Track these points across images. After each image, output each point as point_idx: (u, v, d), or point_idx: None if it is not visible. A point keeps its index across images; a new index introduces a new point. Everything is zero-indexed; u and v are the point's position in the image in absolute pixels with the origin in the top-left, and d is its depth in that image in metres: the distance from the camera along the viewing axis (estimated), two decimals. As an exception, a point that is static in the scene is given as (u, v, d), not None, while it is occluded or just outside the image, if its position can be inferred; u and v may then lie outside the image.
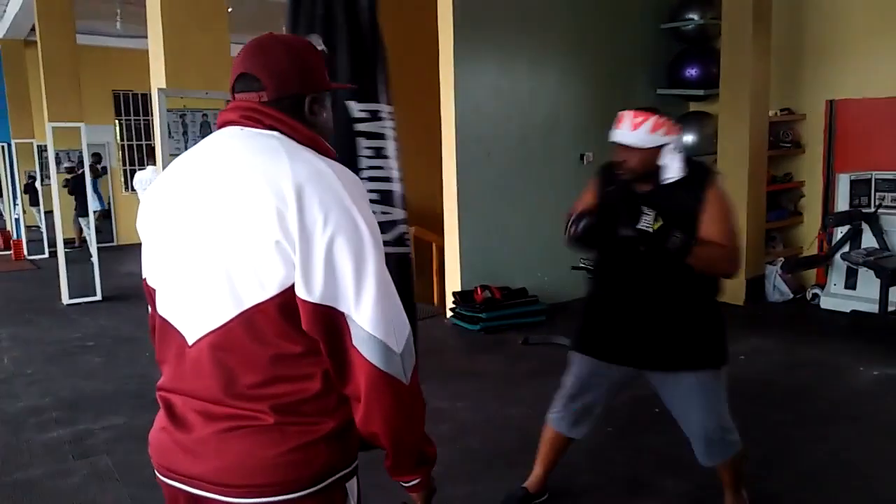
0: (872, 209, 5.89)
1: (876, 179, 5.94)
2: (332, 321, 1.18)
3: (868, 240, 5.87)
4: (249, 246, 1.18)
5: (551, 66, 6.40)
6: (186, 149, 4.61)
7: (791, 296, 6.40)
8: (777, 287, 6.38)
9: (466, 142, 5.84)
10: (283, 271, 1.17)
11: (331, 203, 1.17)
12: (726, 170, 6.45)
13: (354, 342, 1.18)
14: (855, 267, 5.84)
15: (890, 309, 5.44)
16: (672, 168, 2.38)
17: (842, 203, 6.15)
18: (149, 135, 12.07)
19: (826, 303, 6.16)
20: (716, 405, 2.55)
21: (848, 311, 5.72)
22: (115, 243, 11.57)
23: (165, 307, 1.32)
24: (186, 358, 1.28)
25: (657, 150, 2.37)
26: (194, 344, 1.26)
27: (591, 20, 6.61)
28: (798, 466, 3.23)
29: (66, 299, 7.30)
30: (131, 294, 7.56)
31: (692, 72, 7.00)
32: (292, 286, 1.18)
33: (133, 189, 11.76)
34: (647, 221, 2.31)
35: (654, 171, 2.41)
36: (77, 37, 8.96)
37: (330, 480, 1.25)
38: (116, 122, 12.19)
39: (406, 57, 6.75)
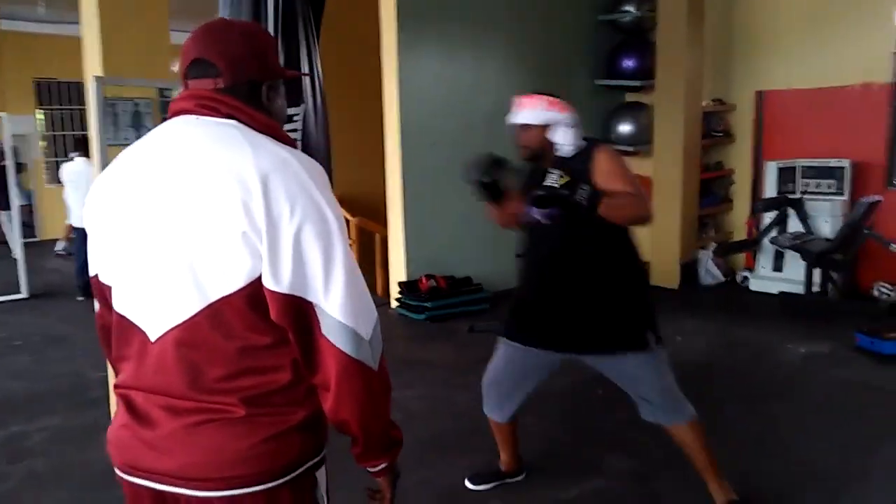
0: (798, 195, 6.16)
1: (801, 167, 6.22)
2: (300, 311, 1.17)
3: (794, 224, 6.15)
4: (214, 238, 1.16)
5: (494, 55, 6.44)
6: (116, 139, 4.44)
7: (723, 279, 6.66)
8: (709, 271, 6.63)
9: (410, 131, 5.83)
10: (249, 263, 1.15)
11: (297, 193, 1.16)
12: (661, 158, 6.67)
13: (324, 331, 1.18)
14: (782, 250, 6.12)
15: (814, 290, 5.73)
16: (565, 143, 2.53)
17: (769, 190, 6.42)
18: (74, 125, 11.58)
19: (755, 285, 6.43)
20: (660, 380, 2.60)
21: (776, 292, 5.99)
22: (38, 238, 11.08)
23: (124, 304, 1.27)
24: (149, 354, 1.24)
25: (549, 127, 2.53)
26: (157, 340, 1.23)
27: (532, 11, 6.66)
28: (734, 439, 3.37)
29: (-12, 298, 6.96)
30: (58, 291, 7.29)
31: (629, 63, 7.15)
32: (259, 277, 1.16)
33: (59, 182, 11.33)
34: (554, 179, 2.42)
35: (549, 147, 2.55)
36: (-5, 21, 8.54)
37: (301, 469, 1.25)
38: (39, 112, 11.65)
39: (348, 46, 6.69)
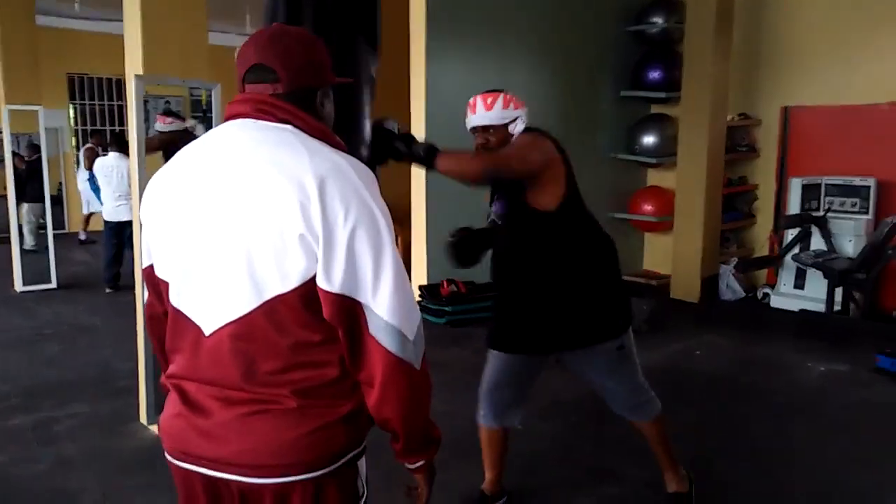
0: (822, 213, 6.15)
1: (826, 185, 6.21)
2: (350, 310, 1.23)
3: (817, 242, 6.14)
4: (272, 238, 1.21)
5: (520, 66, 6.48)
6: (149, 135, 4.45)
7: (743, 294, 6.64)
8: (730, 286, 6.61)
9: (436, 136, 5.82)
10: (304, 263, 1.21)
11: (351, 197, 1.22)
12: (685, 171, 6.68)
13: (371, 330, 1.23)
14: (804, 268, 6.10)
15: (835, 308, 5.71)
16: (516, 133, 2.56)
17: (793, 206, 6.40)
18: (104, 119, 11.79)
19: (776, 302, 6.41)
20: (627, 373, 2.67)
21: (797, 309, 5.97)
22: (66, 230, 11.28)
23: (180, 298, 1.33)
24: (203, 348, 1.30)
25: (510, 124, 2.55)
26: (212, 334, 1.28)
27: (558, 21, 6.71)
28: (753, 457, 3.39)
29: (19, 286, 7.11)
30: (86, 282, 7.44)
31: (655, 74, 7.17)
32: (313, 278, 1.22)
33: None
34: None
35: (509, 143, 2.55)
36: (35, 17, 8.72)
37: (345, 459, 1.31)
38: (70, 105, 11.87)
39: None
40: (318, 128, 1.34)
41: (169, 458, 1.37)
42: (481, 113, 2.55)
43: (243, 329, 1.26)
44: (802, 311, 5.89)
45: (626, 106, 7.37)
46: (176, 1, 3.49)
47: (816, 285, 5.97)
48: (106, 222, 6.93)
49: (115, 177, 6.73)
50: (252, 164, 1.25)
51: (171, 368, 1.38)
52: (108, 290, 6.93)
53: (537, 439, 3.66)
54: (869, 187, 5.99)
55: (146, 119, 4.70)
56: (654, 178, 7.52)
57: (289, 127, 1.30)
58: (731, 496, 3.06)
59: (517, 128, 2.56)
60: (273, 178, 1.22)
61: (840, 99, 6.34)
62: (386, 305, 1.23)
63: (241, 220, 1.23)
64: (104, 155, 7.26)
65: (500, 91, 2.60)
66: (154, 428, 3.62)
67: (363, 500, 1.41)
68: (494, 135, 2.55)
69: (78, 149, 11.86)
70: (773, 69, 6.82)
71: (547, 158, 2.51)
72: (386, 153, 2.27)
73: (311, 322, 1.25)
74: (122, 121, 11.68)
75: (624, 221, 7.40)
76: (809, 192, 6.29)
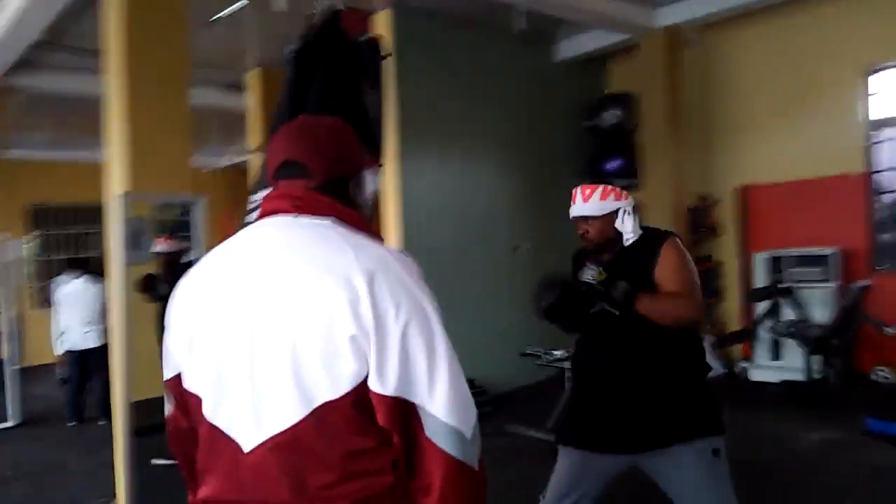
0: (788, 284, 6.32)
1: (789, 257, 6.43)
2: (406, 413, 1.15)
3: (788, 313, 6.27)
4: (320, 341, 1.14)
5: (487, 162, 6.72)
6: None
7: (723, 371, 6.69)
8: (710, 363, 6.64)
9: (410, 235, 5.96)
10: (355, 366, 1.14)
11: (401, 293, 1.17)
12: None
13: (428, 433, 1.16)
14: (778, 338, 6.20)
15: (814, 376, 5.78)
16: (628, 229, 2.47)
17: (760, 280, 6.58)
18: (68, 247, 11.60)
19: (755, 375, 6.47)
20: (720, 487, 2.37)
21: (776, 380, 6.03)
22: (22, 364, 10.80)
23: (215, 413, 1.24)
24: (243, 466, 1.20)
25: (611, 216, 2.47)
26: (253, 450, 1.19)
27: (520, 121, 7.03)
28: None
29: (-28, 428, 6.70)
30: (48, 417, 7.06)
31: (613, 164, 7.48)
32: (364, 380, 1.15)
33: (49, 304, 11.17)
34: (591, 275, 2.39)
35: (613, 237, 2.49)
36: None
37: None
38: (30, 236, 11.67)
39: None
40: (358, 220, 1.31)
41: None
42: (580, 204, 2.50)
43: (290, 441, 1.16)
44: (784, 381, 5.94)
45: (588, 196, 7.59)
46: (162, 120, 3.56)
47: (792, 355, 6.06)
48: (70, 352, 6.66)
49: (81, 303, 6.55)
50: (295, 263, 1.20)
51: (204, 493, 1.27)
52: (70, 424, 6.58)
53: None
54: (831, 256, 6.22)
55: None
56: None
57: (328, 222, 1.26)
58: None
59: (625, 222, 2.47)
60: (319, 278, 1.16)
61: (792, 174, 6.65)
62: (443, 405, 1.15)
63: (285, 323, 1.17)
64: (66, 282, 7.07)
65: (601, 183, 2.55)
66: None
67: None
68: (593, 225, 2.49)
69: (40, 280, 11.59)
70: (726, 152, 7.17)
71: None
72: (585, 300, 2.39)
73: (364, 427, 1.17)
74: (85, 247, 11.53)
75: (598, 308, 7.47)
76: (774, 264, 6.49)
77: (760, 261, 6.59)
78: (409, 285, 1.19)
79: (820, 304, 6.16)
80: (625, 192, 2.53)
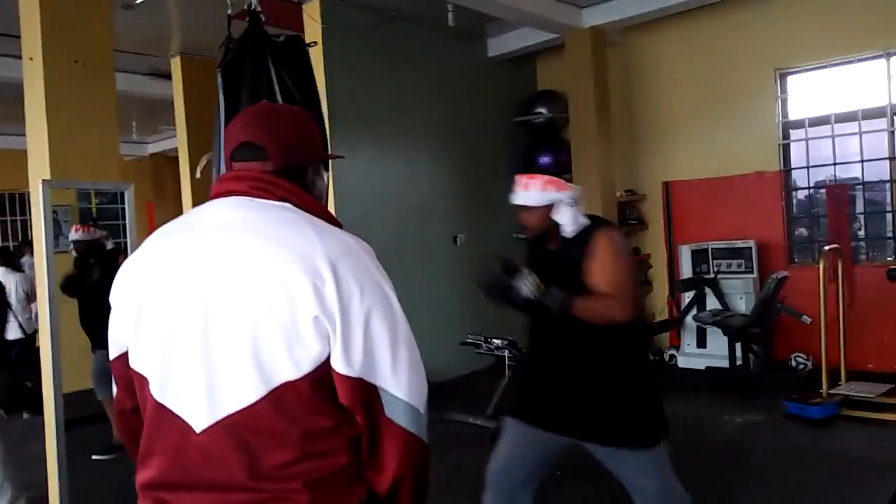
0: (712, 275, 6.60)
1: (712, 249, 6.70)
2: (369, 394, 1.17)
3: (712, 302, 6.55)
4: (282, 322, 1.13)
5: (421, 157, 6.74)
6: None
7: (652, 358, 6.92)
8: (639, 352, 6.87)
9: (345, 226, 5.92)
10: (318, 347, 1.14)
11: (364, 279, 1.18)
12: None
13: (387, 412, 1.18)
14: (704, 327, 6.47)
15: (738, 363, 6.06)
16: (566, 222, 2.47)
17: (685, 271, 6.84)
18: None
19: (683, 362, 6.73)
20: (663, 478, 2.51)
21: (703, 367, 6.29)
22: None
23: (163, 392, 1.20)
24: (192, 445, 1.17)
25: (549, 207, 2.48)
26: (205, 430, 1.17)
27: (454, 116, 7.08)
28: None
29: None
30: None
31: (545, 159, 7.63)
32: (326, 361, 1.15)
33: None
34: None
35: (553, 226, 2.50)
36: None
37: None
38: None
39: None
40: (316, 205, 1.31)
41: None
42: (520, 193, 2.51)
43: (246, 421, 1.15)
44: (708, 368, 6.20)
45: (522, 189, 7.74)
46: (84, 105, 3.43)
47: (717, 343, 6.33)
48: (-10, 343, 6.38)
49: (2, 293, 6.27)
50: (256, 245, 1.18)
51: (146, 476, 1.23)
52: (-6, 418, 6.29)
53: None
54: (751, 248, 6.52)
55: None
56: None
57: (288, 205, 1.25)
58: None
59: (562, 213, 2.47)
60: (280, 259, 1.15)
61: (712, 172, 6.95)
62: (404, 385, 1.19)
63: (244, 302, 1.15)
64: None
65: (542, 173, 2.59)
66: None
67: None
68: (531, 215, 2.51)
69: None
70: (651, 148, 7.42)
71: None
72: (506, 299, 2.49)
73: (322, 408, 1.17)
74: (2, 236, 10.99)
75: (532, 299, 7.63)
76: (698, 256, 6.76)
77: (686, 252, 6.85)
78: (371, 272, 1.21)
79: (742, 294, 6.47)
80: (567, 185, 2.53)
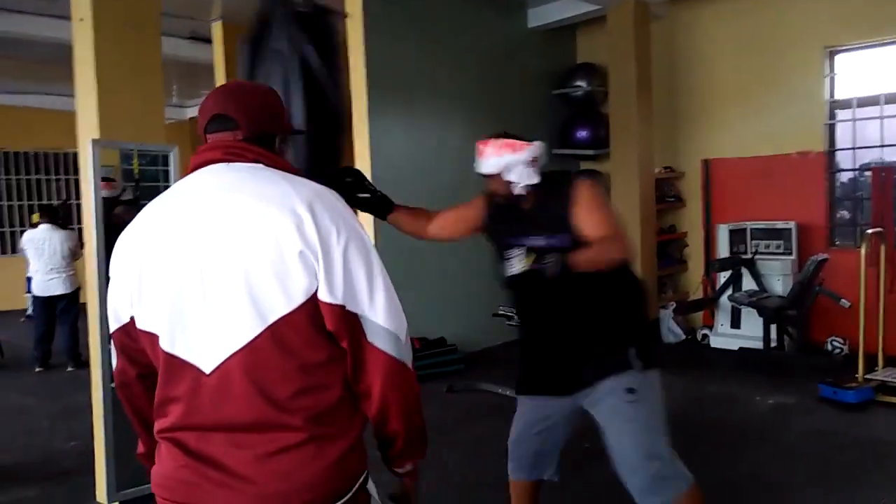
0: (750, 255, 6.52)
1: (751, 229, 6.61)
2: (352, 321, 1.29)
3: (748, 283, 6.47)
4: (271, 261, 1.25)
5: (457, 127, 6.71)
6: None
7: (684, 336, 6.89)
8: (671, 329, 6.86)
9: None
10: (306, 280, 1.25)
11: (338, 218, 1.31)
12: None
13: (370, 337, 1.30)
14: (739, 307, 6.41)
15: (772, 345, 6.01)
16: (514, 179, 2.35)
17: (722, 251, 6.76)
18: (21, 194, 11.30)
19: (715, 342, 6.68)
20: (646, 425, 2.34)
21: (736, 348, 6.24)
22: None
23: (173, 344, 1.30)
24: (204, 389, 1.28)
25: (509, 172, 2.36)
26: (214, 370, 1.27)
27: (492, 86, 7.03)
28: (719, 487, 3.48)
29: (-65, 371, 6.62)
30: (11, 363, 7.01)
31: (582, 133, 7.57)
32: (314, 294, 1.26)
33: (7, 252, 10.94)
34: (520, 263, 2.24)
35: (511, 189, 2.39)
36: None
37: (357, 485, 1.34)
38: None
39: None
40: (286, 165, 1.41)
41: None
42: (478, 161, 2.43)
43: (250, 357, 1.26)
44: (741, 348, 6.15)
45: (559, 163, 7.68)
46: (131, 67, 3.49)
47: (752, 324, 6.26)
48: (36, 297, 6.60)
49: (46, 249, 6.46)
50: (236, 198, 1.30)
51: (164, 422, 1.33)
52: (38, 369, 6.54)
53: (570, 493, 3.62)
54: (791, 229, 6.41)
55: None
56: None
57: (261, 165, 1.37)
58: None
59: (513, 174, 2.35)
60: (262, 208, 1.27)
61: (754, 150, 6.82)
62: (382, 313, 1.31)
63: (234, 250, 1.26)
64: (32, 227, 6.95)
65: (499, 135, 2.42)
66: (114, 506, 3.41)
67: None
68: (494, 181, 2.42)
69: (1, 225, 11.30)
70: (692, 125, 7.30)
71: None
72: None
73: (315, 340, 1.29)
74: (40, 195, 11.27)
75: (564, 273, 7.62)
76: (736, 236, 6.67)
77: (723, 232, 6.76)
78: (343, 213, 1.33)
79: (779, 276, 6.38)
80: (524, 144, 2.38)
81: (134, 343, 1.38)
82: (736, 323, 6.57)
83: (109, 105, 3.44)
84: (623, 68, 6.90)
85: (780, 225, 6.48)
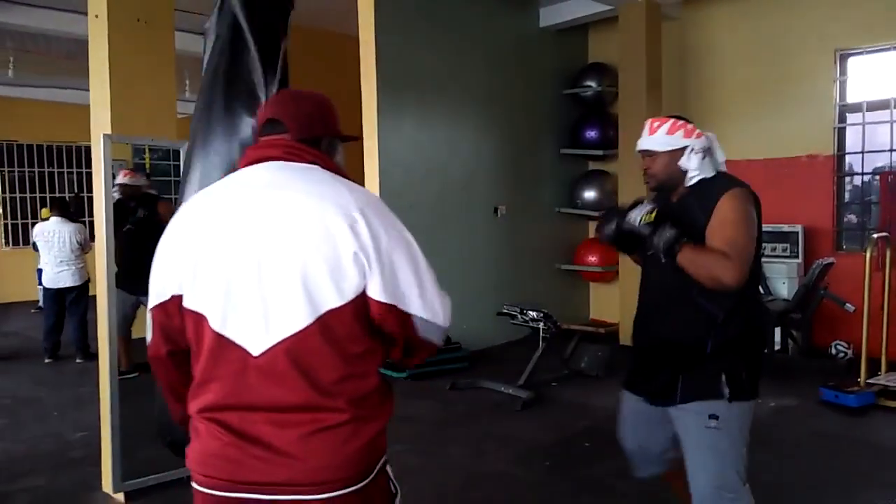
0: (756, 258, 6.50)
1: (757, 231, 6.60)
2: (403, 319, 1.41)
3: (753, 286, 6.47)
4: (326, 258, 1.34)
5: (466, 126, 6.75)
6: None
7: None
8: (676, 331, 6.85)
9: (389, 192, 6.01)
10: (357, 279, 1.36)
11: (386, 223, 1.42)
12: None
13: (422, 334, 1.45)
14: (743, 311, 6.41)
15: (776, 347, 6.01)
16: (692, 167, 2.28)
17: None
18: (34, 187, 11.42)
19: (719, 344, 6.68)
20: (723, 455, 2.21)
21: (740, 351, 6.24)
22: (-8, 303, 10.74)
23: (224, 325, 1.38)
24: (250, 370, 1.36)
25: (677, 152, 2.29)
26: (262, 354, 1.35)
27: (502, 85, 7.06)
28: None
29: (-54, 363, 6.71)
30: (22, 354, 7.10)
31: (591, 134, 7.57)
32: (363, 292, 1.37)
33: (19, 244, 11.05)
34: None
35: (678, 176, 2.31)
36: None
37: (380, 465, 1.45)
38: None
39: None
40: (336, 168, 1.51)
41: (207, 490, 1.39)
42: (645, 137, 2.35)
43: (298, 344, 1.35)
44: (745, 351, 6.15)
45: (567, 163, 7.72)
46: (145, 63, 3.54)
47: (756, 327, 6.26)
48: (46, 289, 6.67)
49: (56, 242, 6.53)
50: (298, 196, 1.39)
51: (205, 401, 1.40)
52: (47, 361, 6.62)
53: (511, 483, 3.70)
54: (797, 233, 6.41)
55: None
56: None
57: (317, 167, 1.48)
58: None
59: (690, 160, 2.28)
60: (322, 207, 1.37)
61: (763, 153, 6.81)
62: (431, 310, 1.44)
63: (294, 244, 1.35)
64: (43, 221, 7.04)
65: (674, 117, 2.36)
66: (120, 496, 3.47)
67: (398, 498, 1.54)
68: (656, 160, 2.32)
69: (6, 217, 11.41)
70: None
71: (756, 235, 2.23)
72: (624, 240, 2.31)
73: (359, 335, 1.39)
74: (53, 188, 11.38)
75: (570, 272, 7.65)
76: (743, 239, 6.65)
77: (730, 235, 6.75)
78: (391, 218, 1.45)
79: (785, 279, 6.37)
80: (697, 131, 2.31)
81: (170, 320, 1.45)
82: (740, 325, 6.57)
83: (122, 100, 3.50)
84: (634, 68, 6.92)
85: (786, 228, 6.48)
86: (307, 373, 1.35)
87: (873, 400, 4.77)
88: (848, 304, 5.70)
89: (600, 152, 7.56)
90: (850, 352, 5.99)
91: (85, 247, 6.63)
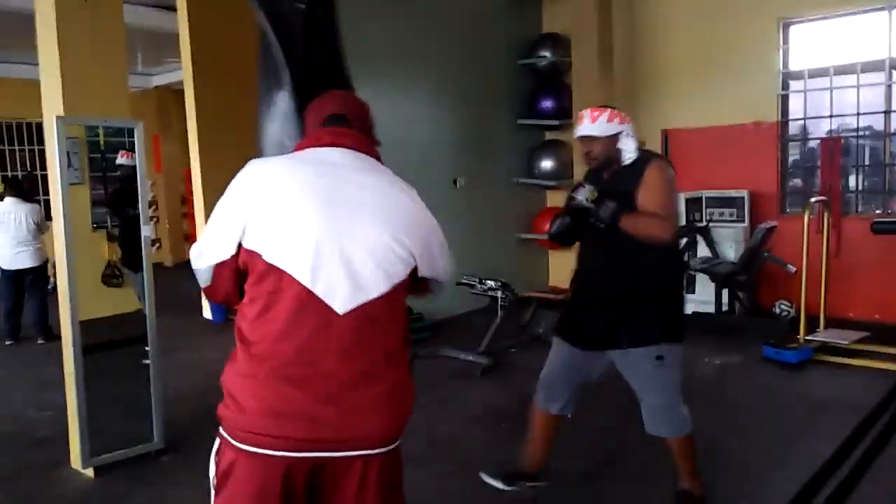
0: (704, 223, 6.76)
1: (706, 198, 6.85)
2: (431, 282, 1.76)
3: (702, 250, 6.73)
4: (398, 238, 1.61)
5: (422, 99, 6.80)
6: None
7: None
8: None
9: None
10: (413, 258, 1.65)
11: (426, 210, 1.73)
12: (582, 191, 7.16)
13: (434, 289, 1.80)
14: (693, 273, 6.66)
15: (723, 308, 6.28)
16: (628, 150, 2.77)
17: (679, 219, 6.98)
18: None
19: (671, 307, 6.94)
20: (671, 384, 2.86)
21: (689, 312, 6.50)
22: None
23: (314, 283, 1.53)
24: (334, 327, 1.54)
25: (615, 137, 2.76)
26: (347, 313, 1.54)
27: (458, 57, 7.09)
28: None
29: None
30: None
31: (547, 104, 7.68)
32: (414, 269, 1.65)
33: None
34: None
35: (614, 157, 2.79)
36: None
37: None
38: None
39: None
40: (381, 161, 1.78)
41: (275, 452, 1.50)
42: (587, 125, 2.78)
43: (371, 310, 1.57)
44: (694, 312, 6.43)
45: (524, 133, 7.83)
46: (94, 40, 3.53)
47: (705, 289, 6.53)
48: (4, 271, 6.59)
49: (12, 223, 6.45)
50: (380, 182, 1.67)
51: (290, 344, 1.53)
52: (8, 343, 6.59)
53: (469, 443, 3.87)
54: (743, 198, 6.66)
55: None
56: (554, 199, 7.97)
57: (372, 159, 1.73)
58: (652, 466, 3.36)
59: (626, 143, 2.77)
60: (398, 194, 1.67)
61: (710, 121, 7.02)
62: (446, 274, 1.79)
63: (379, 220, 1.60)
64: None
65: (608, 107, 2.84)
66: (90, 471, 3.55)
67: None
68: (597, 145, 2.78)
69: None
70: (652, 96, 7.46)
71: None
72: (575, 216, 2.84)
73: (404, 304, 1.69)
74: (3, 166, 11.11)
75: (529, 241, 7.81)
76: (692, 204, 6.90)
77: (681, 200, 6.97)
78: (425, 207, 1.74)
79: (732, 243, 6.64)
80: (628, 118, 2.80)
81: (228, 270, 1.60)
82: (690, 288, 6.83)
83: (73, 79, 3.49)
84: (585, 38, 7.03)
85: (733, 193, 6.73)
86: (382, 336, 1.59)
87: (811, 355, 5.06)
88: (789, 266, 5.97)
89: (556, 122, 7.67)
90: (792, 311, 6.28)
91: (42, 227, 6.55)
